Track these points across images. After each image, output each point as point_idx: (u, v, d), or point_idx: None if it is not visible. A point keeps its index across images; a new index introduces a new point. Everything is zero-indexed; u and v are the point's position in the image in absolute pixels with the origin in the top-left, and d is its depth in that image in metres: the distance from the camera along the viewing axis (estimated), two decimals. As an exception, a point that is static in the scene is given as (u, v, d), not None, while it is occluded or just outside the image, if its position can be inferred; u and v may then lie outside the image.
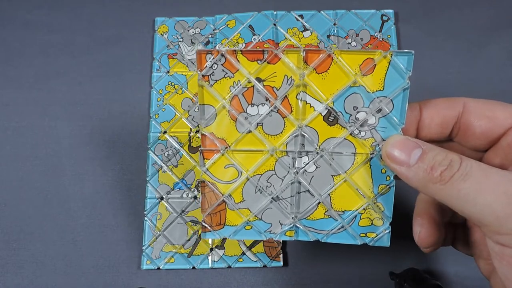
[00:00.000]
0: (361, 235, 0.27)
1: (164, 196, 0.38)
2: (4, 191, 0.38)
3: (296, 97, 0.25)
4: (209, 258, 0.36)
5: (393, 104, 0.24)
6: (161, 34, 0.42)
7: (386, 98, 0.24)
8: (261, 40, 0.41)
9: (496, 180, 0.20)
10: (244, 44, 0.41)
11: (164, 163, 0.38)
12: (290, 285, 0.36)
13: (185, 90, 0.40)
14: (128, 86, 0.41)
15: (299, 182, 0.26)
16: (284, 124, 0.26)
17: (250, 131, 0.26)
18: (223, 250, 0.36)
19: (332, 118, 0.25)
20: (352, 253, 0.36)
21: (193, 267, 0.36)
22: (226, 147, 0.26)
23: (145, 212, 0.37)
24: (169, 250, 0.36)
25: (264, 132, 0.26)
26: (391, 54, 0.24)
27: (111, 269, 0.36)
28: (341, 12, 0.42)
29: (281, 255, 0.36)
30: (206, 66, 0.25)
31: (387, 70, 0.24)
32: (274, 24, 0.42)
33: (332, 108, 0.25)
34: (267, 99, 0.25)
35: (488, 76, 0.40)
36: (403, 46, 0.41)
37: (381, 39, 0.41)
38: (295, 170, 0.26)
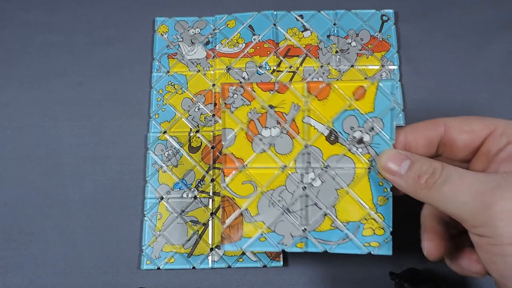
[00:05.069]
0: (365, 244, 0.29)
1: (164, 196, 0.38)
2: (4, 191, 0.39)
3: (302, 121, 0.30)
4: (209, 258, 0.36)
5: (383, 123, 0.28)
6: (161, 34, 0.42)
7: (376, 118, 0.29)
8: (261, 40, 0.41)
9: (470, 181, 0.23)
10: (244, 44, 0.41)
11: (164, 163, 0.38)
12: (290, 285, 0.36)
13: (185, 90, 0.40)
14: (128, 86, 0.41)
15: (307, 196, 0.29)
16: (293, 144, 0.30)
17: (264, 151, 0.30)
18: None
19: (333, 138, 0.29)
20: (352, 253, 0.36)
21: (193, 267, 0.36)
22: (244, 165, 0.30)
23: (145, 212, 0.37)
24: (169, 250, 0.36)
25: (276, 151, 0.30)
26: (378, 82, 0.28)
27: (111, 269, 0.36)
28: (341, 12, 0.42)
29: (281, 255, 0.36)
30: (229, 96, 0.30)
31: (376, 94, 0.29)
32: (274, 24, 0.42)
33: (332, 129, 0.29)
34: (278, 123, 0.30)
35: (488, 76, 0.40)
36: (403, 46, 0.41)
37: (381, 39, 0.41)
38: (303, 185, 0.30)
